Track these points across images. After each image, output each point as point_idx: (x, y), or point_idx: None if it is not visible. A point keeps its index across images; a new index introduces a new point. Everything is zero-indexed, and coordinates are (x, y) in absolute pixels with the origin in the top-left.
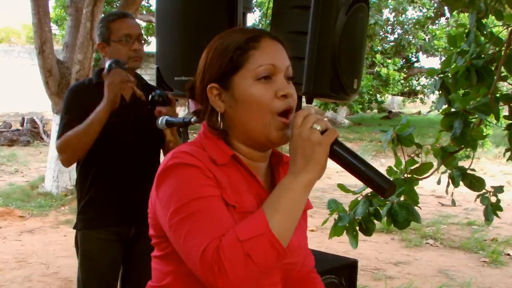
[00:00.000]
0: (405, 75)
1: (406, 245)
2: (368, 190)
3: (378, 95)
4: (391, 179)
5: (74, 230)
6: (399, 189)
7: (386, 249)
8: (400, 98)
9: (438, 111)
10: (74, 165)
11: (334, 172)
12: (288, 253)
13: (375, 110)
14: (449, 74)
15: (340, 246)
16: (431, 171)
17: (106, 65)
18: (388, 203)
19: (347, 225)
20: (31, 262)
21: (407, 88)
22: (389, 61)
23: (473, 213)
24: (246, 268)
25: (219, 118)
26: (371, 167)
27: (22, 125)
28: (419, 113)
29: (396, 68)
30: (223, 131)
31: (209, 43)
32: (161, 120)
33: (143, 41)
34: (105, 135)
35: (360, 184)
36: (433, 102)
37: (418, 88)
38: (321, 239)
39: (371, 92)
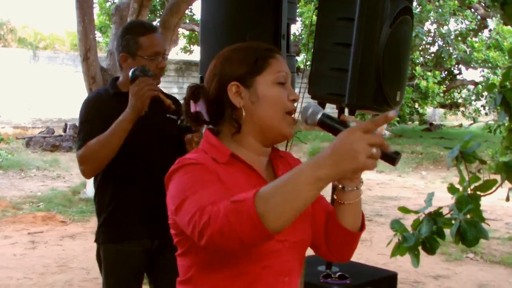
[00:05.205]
0: (444, 88)
1: (446, 258)
2: (431, 208)
3: (418, 108)
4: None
5: None
6: (467, 206)
7: (426, 262)
8: (442, 111)
9: (491, 130)
10: None
11: (375, 184)
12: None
13: (416, 122)
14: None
15: (379, 258)
16: (494, 187)
17: (130, 73)
18: (455, 222)
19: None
20: (72, 267)
21: (449, 101)
22: (429, 73)
23: None
24: (223, 230)
25: (232, 113)
26: None
27: (64, 131)
28: (460, 125)
29: (435, 81)
30: (239, 125)
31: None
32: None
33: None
34: (124, 147)
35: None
36: (469, 113)
37: (460, 100)
38: (361, 250)
39: (410, 105)
